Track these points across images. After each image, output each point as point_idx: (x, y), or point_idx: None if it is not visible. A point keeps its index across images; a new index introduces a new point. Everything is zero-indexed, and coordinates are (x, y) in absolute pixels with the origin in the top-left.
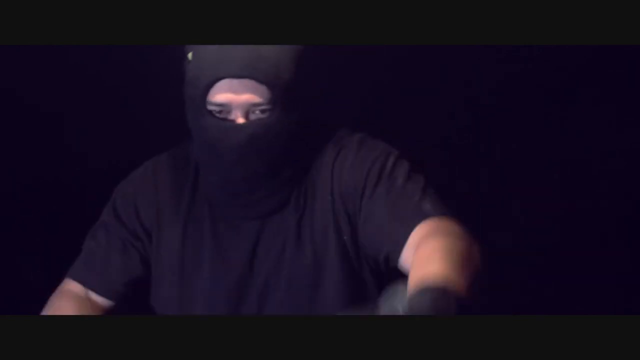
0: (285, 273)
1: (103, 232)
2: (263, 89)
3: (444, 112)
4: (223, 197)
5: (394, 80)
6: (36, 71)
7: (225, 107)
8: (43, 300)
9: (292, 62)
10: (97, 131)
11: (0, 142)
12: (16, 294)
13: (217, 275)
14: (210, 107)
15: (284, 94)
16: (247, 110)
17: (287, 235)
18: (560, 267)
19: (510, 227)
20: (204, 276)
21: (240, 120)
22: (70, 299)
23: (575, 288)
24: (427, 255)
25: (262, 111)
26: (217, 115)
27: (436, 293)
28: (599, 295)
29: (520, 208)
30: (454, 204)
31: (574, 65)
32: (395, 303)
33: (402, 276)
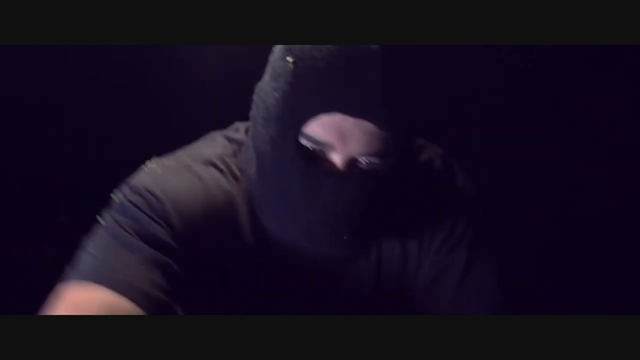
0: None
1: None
2: (382, 136)
3: (444, 112)
4: (286, 244)
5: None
6: (36, 71)
7: (325, 148)
8: (43, 300)
9: (419, 100)
10: (96, 131)
11: (0, 142)
12: (16, 294)
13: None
14: (303, 141)
15: (403, 145)
16: (352, 158)
17: (356, 280)
18: (560, 267)
19: (509, 227)
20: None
21: (342, 168)
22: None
23: (575, 288)
24: None
25: (370, 162)
26: (312, 153)
27: None
28: (599, 295)
29: (520, 208)
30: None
31: (574, 65)
32: None
33: None
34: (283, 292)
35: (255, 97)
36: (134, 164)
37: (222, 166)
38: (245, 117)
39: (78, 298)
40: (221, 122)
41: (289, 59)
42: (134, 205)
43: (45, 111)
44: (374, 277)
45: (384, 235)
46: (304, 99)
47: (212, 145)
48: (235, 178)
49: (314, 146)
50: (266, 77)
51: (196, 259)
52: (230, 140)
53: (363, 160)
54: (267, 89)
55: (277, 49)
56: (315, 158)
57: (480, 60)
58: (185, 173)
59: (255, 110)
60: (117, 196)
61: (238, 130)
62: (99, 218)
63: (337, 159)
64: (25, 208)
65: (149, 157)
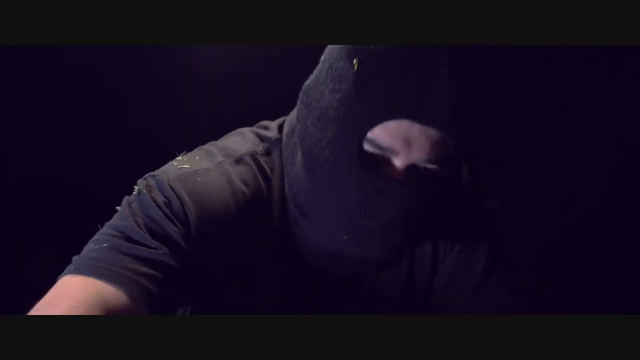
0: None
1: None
2: (445, 143)
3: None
4: (324, 250)
5: None
6: (36, 71)
7: (388, 153)
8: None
9: (486, 110)
10: (96, 131)
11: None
12: (16, 294)
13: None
14: (366, 146)
15: (464, 149)
16: (414, 165)
17: (395, 291)
18: (561, 267)
19: (510, 227)
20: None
21: (403, 175)
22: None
23: (575, 288)
24: None
25: (429, 168)
26: (373, 159)
27: None
28: (599, 296)
29: (520, 208)
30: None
31: (574, 66)
32: None
33: None
34: (309, 300)
35: (304, 97)
36: (134, 164)
37: (253, 164)
38: (245, 117)
39: (72, 289)
40: (221, 122)
41: (354, 60)
42: (156, 203)
43: (44, 111)
44: (405, 286)
45: (417, 241)
46: (371, 103)
47: (243, 141)
48: (267, 178)
49: (377, 151)
50: (321, 77)
51: (214, 263)
52: (261, 138)
53: (423, 166)
54: (321, 89)
55: (337, 48)
56: (377, 163)
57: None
58: (215, 173)
59: (306, 111)
60: (141, 186)
61: (268, 128)
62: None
63: (399, 164)
64: (25, 208)
65: (148, 157)
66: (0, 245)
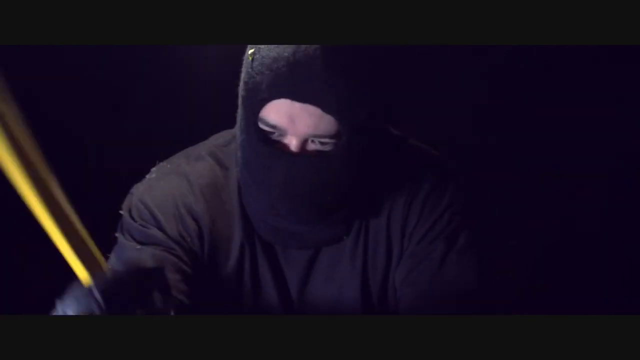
0: (338, 302)
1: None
2: (328, 118)
3: (443, 112)
4: (269, 224)
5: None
6: (36, 71)
7: (280, 131)
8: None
9: (372, 87)
10: (96, 131)
11: None
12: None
13: (272, 302)
14: (261, 125)
15: (353, 126)
16: (306, 139)
17: (343, 263)
18: (560, 267)
19: (509, 227)
20: (261, 302)
21: (295, 149)
22: None
23: (574, 288)
24: None
25: (322, 143)
26: (269, 136)
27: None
28: (599, 296)
29: (519, 208)
30: None
31: (574, 65)
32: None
33: None
34: (272, 282)
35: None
36: (134, 164)
37: (210, 159)
38: None
39: None
40: (221, 122)
41: (249, 51)
42: (131, 217)
43: (44, 111)
44: (362, 260)
45: (361, 215)
46: (258, 87)
47: (210, 140)
48: (224, 167)
49: (269, 129)
50: (242, 70)
51: (192, 251)
52: (227, 133)
53: (315, 141)
54: (240, 83)
55: (247, 47)
56: (272, 140)
57: (480, 60)
58: (174, 175)
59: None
60: (124, 208)
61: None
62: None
63: (291, 140)
64: (25, 208)
65: (148, 157)
66: (0, 245)
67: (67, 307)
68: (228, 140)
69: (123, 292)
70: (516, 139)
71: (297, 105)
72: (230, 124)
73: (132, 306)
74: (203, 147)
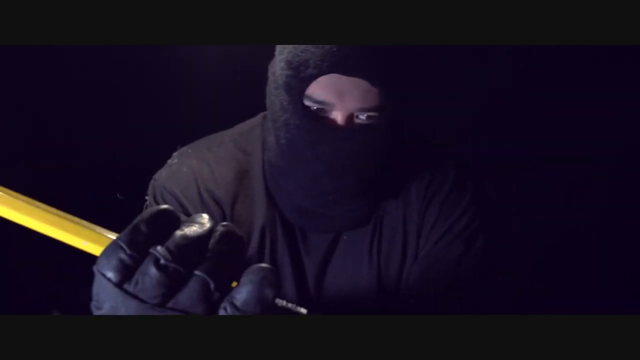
0: (353, 292)
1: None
2: (374, 92)
3: (443, 113)
4: (299, 206)
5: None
6: (36, 71)
7: (327, 106)
8: (41, 300)
9: (408, 65)
10: (96, 131)
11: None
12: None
13: (288, 289)
14: (307, 102)
15: (395, 100)
16: (352, 114)
17: (360, 253)
18: (561, 267)
19: (509, 227)
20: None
21: (342, 124)
22: None
23: (575, 288)
24: None
25: (369, 117)
26: (315, 113)
27: None
28: (599, 296)
29: (519, 208)
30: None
31: (574, 65)
32: None
33: None
34: (290, 267)
35: (269, 74)
36: (134, 164)
37: (232, 145)
38: (245, 117)
39: None
40: (221, 122)
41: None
42: (156, 203)
43: (44, 111)
44: (377, 251)
45: (381, 205)
46: (305, 64)
47: (232, 128)
48: (247, 153)
49: (317, 105)
50: (275, 53)
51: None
52: (249, 122)
53: (362, 115)
54: (275, 63)
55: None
56: (320, 117)
57: (481, 60)
58: (195, 160)
59: (269, 84)
60: (149, 193)
61: (256, 116)
62: None
63: (338, 115)
64: None
65: (148, 157)
66: (0, 245)
67: (101, 267)
68: (250, 128)
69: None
70: (516, 139)
71: (344, 79)
72: (230, 124)
73: (154, 248)
74: (225, 134)
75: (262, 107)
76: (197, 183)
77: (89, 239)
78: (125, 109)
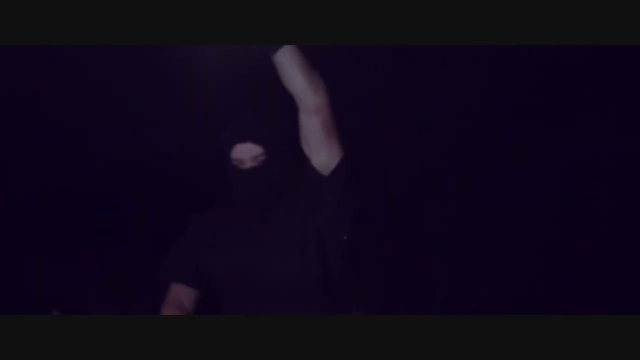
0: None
1: None
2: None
3: (443, 112)
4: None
5: (392, 79)
6: (36, 71)
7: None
8: (41, 300)
9: (283, 123)
10: (96, 131)
11: (0, 143)
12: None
13: None
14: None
15: (275, 151)
16: (253, 160)
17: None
18: (561, 267)
19: (509, 227)
20: None
21: (248, 166)
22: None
23: (574, 288)
24: None
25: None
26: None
27: None
28: (599, 295)
29: (520, 208)
30: (454, 205)
31: (574, 65)
32: None
33: None
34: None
35: None
36: (133, 164)
37: None
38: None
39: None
40: (221, 122)
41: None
42: None
43: (44, 111)
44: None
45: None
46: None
47: None
48: None
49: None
50: None
51: None
52: None
53: (258, 159)
54: None
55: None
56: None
57: (481, 60)
58: None
59: None
60: None
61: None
62: None
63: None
64: (25, 209)
65: (148, 157)
66: (0, 245)
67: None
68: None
69: None
70: (516, 140)
71: (240, 145)
72: (230, 123)
73: None
74: None
75: (261, 107)
76: None
77: None
78: (125, 109)
